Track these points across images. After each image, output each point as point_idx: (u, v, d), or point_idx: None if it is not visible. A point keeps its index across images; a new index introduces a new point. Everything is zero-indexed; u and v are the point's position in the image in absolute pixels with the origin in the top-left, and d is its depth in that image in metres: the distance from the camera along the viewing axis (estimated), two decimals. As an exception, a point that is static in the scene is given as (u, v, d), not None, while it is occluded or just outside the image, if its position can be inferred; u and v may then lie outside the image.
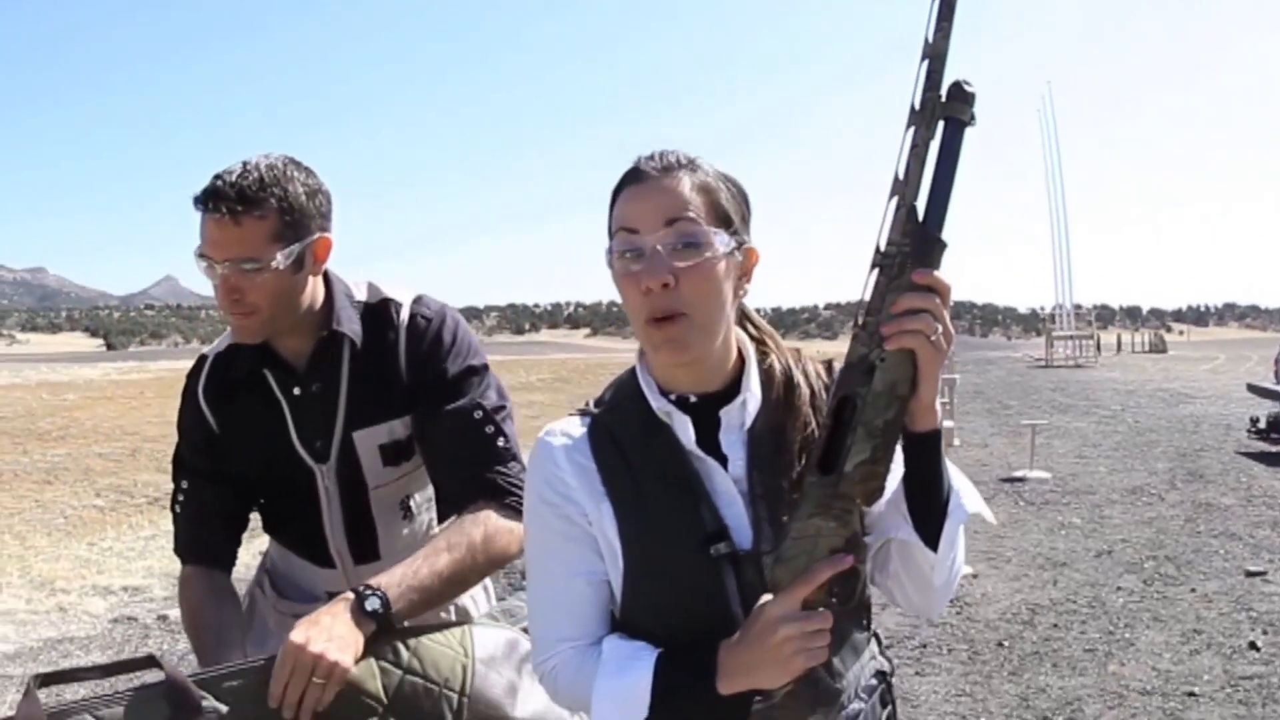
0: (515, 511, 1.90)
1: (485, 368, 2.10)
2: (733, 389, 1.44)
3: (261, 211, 1.86)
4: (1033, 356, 36.32)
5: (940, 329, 1.22)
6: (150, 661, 1.66)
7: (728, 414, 1.43)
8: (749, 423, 1.42)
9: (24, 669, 5.61)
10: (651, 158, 1.42)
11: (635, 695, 1.33)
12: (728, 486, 1.40)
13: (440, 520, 2.16)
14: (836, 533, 1.26)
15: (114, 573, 7.61)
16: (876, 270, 1.23)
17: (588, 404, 1.52)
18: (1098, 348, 37.20)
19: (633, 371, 1.50)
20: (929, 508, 1.33)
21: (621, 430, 1.45)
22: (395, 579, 1.80)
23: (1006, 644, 5.41)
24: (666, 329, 1.36)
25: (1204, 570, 6.72)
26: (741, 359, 1.47)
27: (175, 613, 6.54)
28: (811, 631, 1.25)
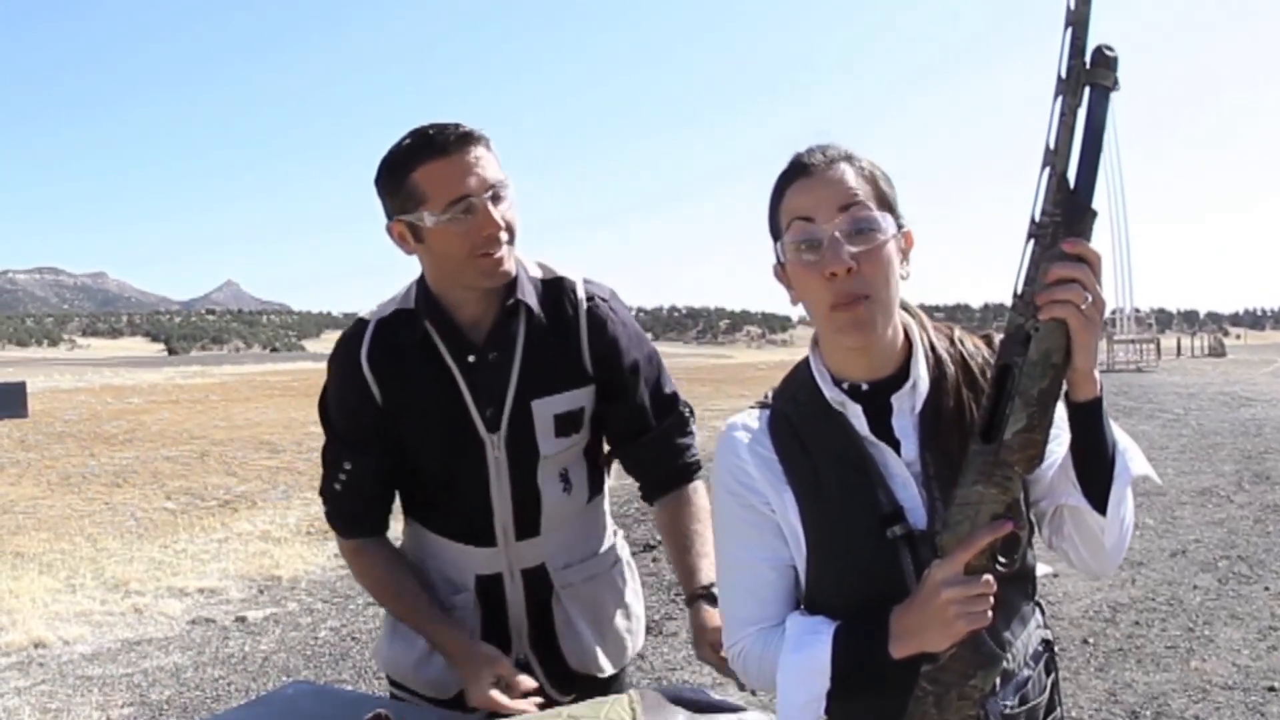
0: (699, 475, 2.22)
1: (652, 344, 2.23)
2: (902, 374, 1.47)
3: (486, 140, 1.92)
4: (1093, 361, 35.88)
5: (1090, 298, 1.22)
6: None
7: (899, 399, 1.46)
8: (919, 406, 1.45)
9: (102, 669, 5.70)
10: (812, 151, 1.45)
11: (817, 667, 1.38)
12: (901, 470, 1.43)
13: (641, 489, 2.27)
14: (997, 499, 1.28)
15: (188, 575, 7.66)
16: (1032, 241, 1.25)
17: (766, 395, 1.57)
18: (1158, 352, 36.77)
19: (806, 362, 1.53)
20: (1096, 472, 1.35)
21: (799, 420, 1.50)
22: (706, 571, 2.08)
23: (1091, 641, 5.44)
24: (852, 311, 1.39)
25: (1276, 569, 6.71)
26: (909, 342, 1.49)
27: (253, 614, 6.59)
28: (973, 595, 1.28)
